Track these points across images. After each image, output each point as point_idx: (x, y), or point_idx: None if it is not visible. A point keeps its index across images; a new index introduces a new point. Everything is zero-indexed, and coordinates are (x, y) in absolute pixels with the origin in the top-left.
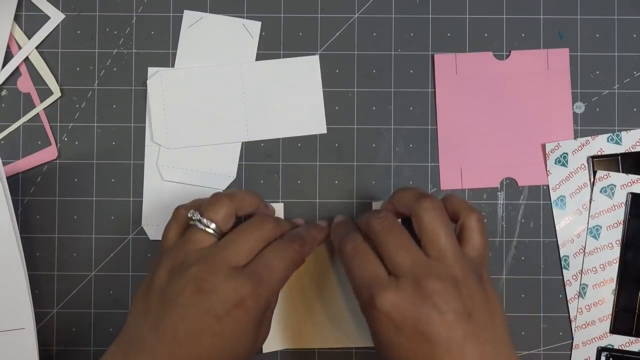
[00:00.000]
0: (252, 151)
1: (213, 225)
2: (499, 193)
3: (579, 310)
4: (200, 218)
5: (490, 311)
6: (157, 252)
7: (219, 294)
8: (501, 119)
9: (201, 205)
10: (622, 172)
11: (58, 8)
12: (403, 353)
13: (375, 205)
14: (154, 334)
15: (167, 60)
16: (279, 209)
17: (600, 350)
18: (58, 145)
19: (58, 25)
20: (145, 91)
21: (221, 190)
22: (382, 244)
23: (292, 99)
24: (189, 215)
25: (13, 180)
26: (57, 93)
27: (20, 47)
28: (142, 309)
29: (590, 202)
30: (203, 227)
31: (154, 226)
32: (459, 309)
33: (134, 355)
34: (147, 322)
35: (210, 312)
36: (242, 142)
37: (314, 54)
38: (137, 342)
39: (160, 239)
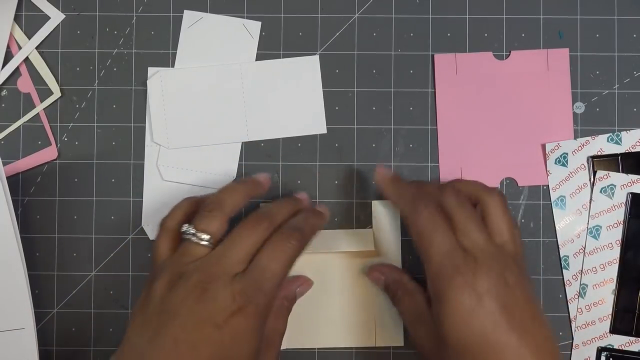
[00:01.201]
0: (252, 151)
1: (207, 237)
2: None
3: (579, 310)
4: (195, 232)
5: (538, 304)
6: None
7: (218, 302)
8: (501, 119)
9: (185, 215)
10: (622, 172)
11: (58, 8)
12: (478, 326)
13: (376, 204)
14: (154, 346)
15: (167, 60)
16: None
17: (600, 350)
18: (58, 145)
19: (58, 25)
20: (145, 91)
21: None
22: (459, 216)
23: (292, 99)
24: (183, 229)
25: (13, 180)
26: (57, 93)
27: (20, 47)
28: (140, 322)
29: (590, 202)
30: (197, 241)
31: (154, 226)
32: (527, 289)
33: None
34: (146, 334)
35: (209, 321)
36: (242, 142)
37: (314, 54)
38: (137, 353)
39: None
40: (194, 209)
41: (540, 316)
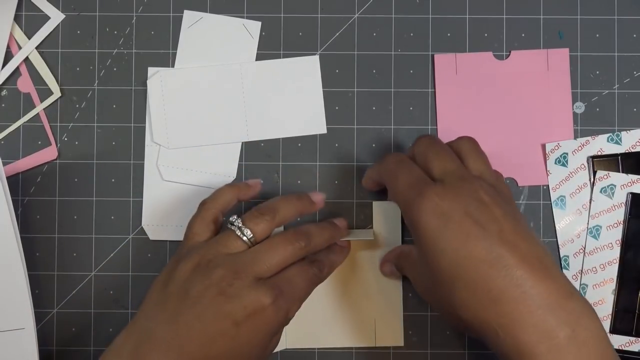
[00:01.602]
0: (252, 151)
1: (250, 235)
2: None
3: None
4: (241, 226)
5: (525, 226)
6: (156, 249)
7: (241, 300)
8: (501, 119)
9: (227, 203)
10: (622, 172)
11: (58, 8)
12: (452, 239)
13: (377, 205)
14: (168, 327)
15: (167, 60)
16: None
17: None
18: (58, 145)
19: (58, 25)
20: (145, 91)
21: (258, 182)
22: (430, 156)
23: (292, 99)
24: (231, 220)
25: (13, 180)
26: (57, 93)
27: (20, 47)
28: (158, 299)
29: (590, 202)
30: (240, 235)
31: (154, 226)
32: (506, 209)
33: (144, 347)
34: (163, 314)
35: (229, 317)
36: (242, 142)
37: (314, 54)
38: (150, 333)
39: (160, 239)
40: (235, 198)
41: (526, 230)
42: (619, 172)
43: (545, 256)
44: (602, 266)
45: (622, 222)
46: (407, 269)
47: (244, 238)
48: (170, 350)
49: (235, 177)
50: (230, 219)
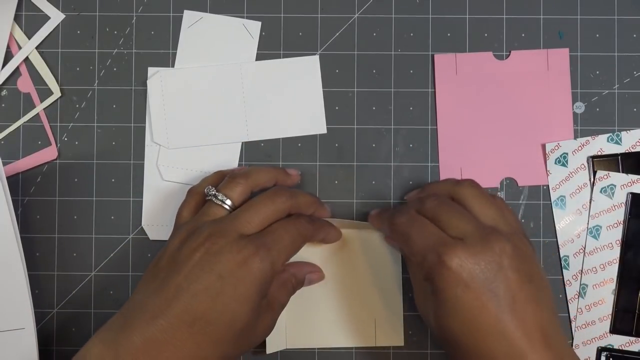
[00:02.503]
0: (252, 151)
1: (228, 202)
2: (499, 193)
3: (579, 310)
4: (216, 193)
5: (544, 280)
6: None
7: (224, 255)
8: (501, 119)
9: (214, 182)
10: (622, 172)
11: (58, 8)
12: (468, 309)
13: (374, 212)
14: (157, 296)
15: (167, 60)
16: None
17: (600, 350)
18: (58, 145)
19: (58, 25)
20: (145, 91)
21: (237, 167)
22: (442, 215)
23: (292, 99)
24: (205, 191)
25: (13, 180)
26: (57, 93)
27: (20, 47)
28: (149, 276)
29: (590, 202)
30: (219, 203)
31: (154, 226)
32: (523, 270)
33: (133, 316)
34: (152, 285)
35: (213, 271)
36: (242, 142)
37: (314, 54)
38: (140, 304)
39: (160, 239)
40: (221, 181)
41: (538, 291)
42: (619, 172)
43: (550, 324)
44: (602, 266)
45: (622, 222)
46: (412, 278)
47: (224, 205)
48: (157, 315)
49: None
50: (206, 190)
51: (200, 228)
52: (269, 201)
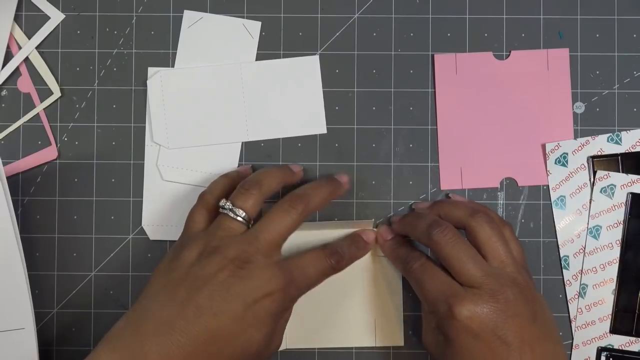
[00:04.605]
0: (252, 151)
1: (243, 214)
2: (499, 193)
3: (579, 310)
4: (232, 207)
5: (547, 313)
6: (156, 249)
7: (253, 281)
8: (501, 119)
9: (224, 191)
10: (622, 172)
11: (58, 8)
12: (480, 357)
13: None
14: (173, 307)
15: (167, 60)
16: None
17: (600, 350)
18: (58, 145)
19: (58, 25)
20: (145, 91)
21: (248, 169)
22: (451, 257)
23: (292, 99)
24: (221, 204)
25: (13, 180)
26: (57, 93)
27: (20, 47)
28: (162, 285)
29: (590, 202)
30: (234, 216)
31: (154, 226)
32: (528, 312)
33: (147, 327)
34: (168, 297)
35: (239, 297)
36: (242, 142)
37: (314, 54)
38: (152, 314)
39: (160, 238)
40: (231, 185)
41: (544, 336)
42: (619, 172)
43: (556, 355)
44: (602, 266)
45: (622, 222)
46: (423, 319)
47: (239, 218)
48: (175, 330)
49: None
50: (221, 203)
51: (222, 247)
52: (287, 215)
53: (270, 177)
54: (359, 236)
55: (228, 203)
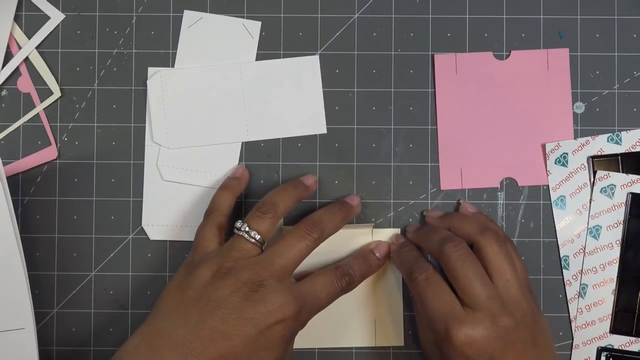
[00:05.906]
0: (252, 151)
1: (258, 237)
2: (499, 193)
3: (579, 310)
4: (248, 230)
5: (547, 335)
6: (156, 249)
7: (266, 306)
8: (501, 119)
9: (230, 207)
10: (622, 172)
11: (58, 8)
12: None
13: (375, 231)
14: (188, 330)
15: (167, 60)
16: None
17: (600, 350)
18: (58, 145)
19: (58, 25)
20: (145, 91)
21: (244, 170)
22: (459, 273)
23: (292, 99)
24: (237, 226)
25: (13, 180)
26: (57, 93)
27: (20, 47)
28: (175, 304)
29: (590, 202)
30: (249, 238)
31: (154, 226)
32: (527, 338)
33: (161, 348)
34: (182, 317)
35: (252, 321)
36: (242, 142)
37: (314, 54)
38: (167, 334)
39: (160, 238)
40: (234, 197)
41: (541, 357)
42: (619, 172)
43: None
44: (602, 266)
45: (622, 222)
46: (420, 323)
47: (253, 240)
48: (190, 353)
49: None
50: (236, 224)
51: (236, 268)
52: (302, 241)
53: (286, 198)
54: (371, 252)
55: (245, 225)
